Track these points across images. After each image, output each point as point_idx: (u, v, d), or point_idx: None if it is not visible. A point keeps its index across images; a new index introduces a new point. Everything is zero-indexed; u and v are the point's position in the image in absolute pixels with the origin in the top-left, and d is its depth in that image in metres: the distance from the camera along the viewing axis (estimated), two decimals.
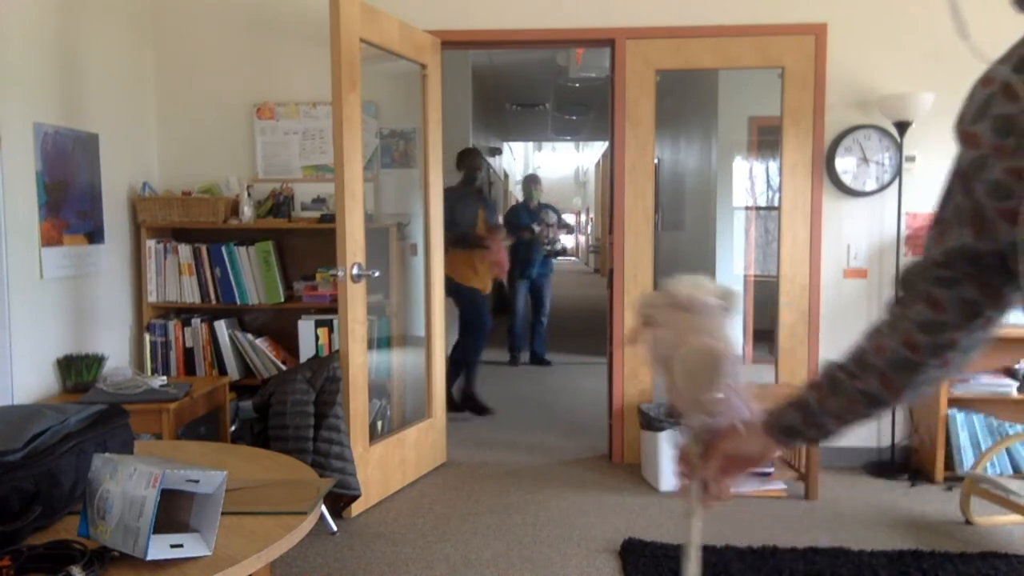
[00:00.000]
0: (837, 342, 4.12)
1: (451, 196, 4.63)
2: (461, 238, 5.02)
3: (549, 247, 6.99)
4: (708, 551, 3.06)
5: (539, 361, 7.18)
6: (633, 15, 4.02)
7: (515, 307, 6.91)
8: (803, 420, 1.00)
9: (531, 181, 7.21)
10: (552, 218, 7.06)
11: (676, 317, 1.10)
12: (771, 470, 3.76)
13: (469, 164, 5.39)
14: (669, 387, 1.12)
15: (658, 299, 1.12)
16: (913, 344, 0.90)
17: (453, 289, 4.98)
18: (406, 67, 3.98)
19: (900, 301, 0.93)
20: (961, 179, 0.81)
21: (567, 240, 7.50)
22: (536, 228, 6.82)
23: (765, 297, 4.78)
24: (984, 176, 0.76)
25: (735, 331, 1.10)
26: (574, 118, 11.64)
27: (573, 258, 25.83)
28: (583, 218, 24.79)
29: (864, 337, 0.96)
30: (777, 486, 3.76)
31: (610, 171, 4.24)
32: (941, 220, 0.86)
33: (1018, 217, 0.73)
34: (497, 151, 12.37)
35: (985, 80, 0.78)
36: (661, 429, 3.77)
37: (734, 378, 1.08)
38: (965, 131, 0.79)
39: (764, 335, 5.48)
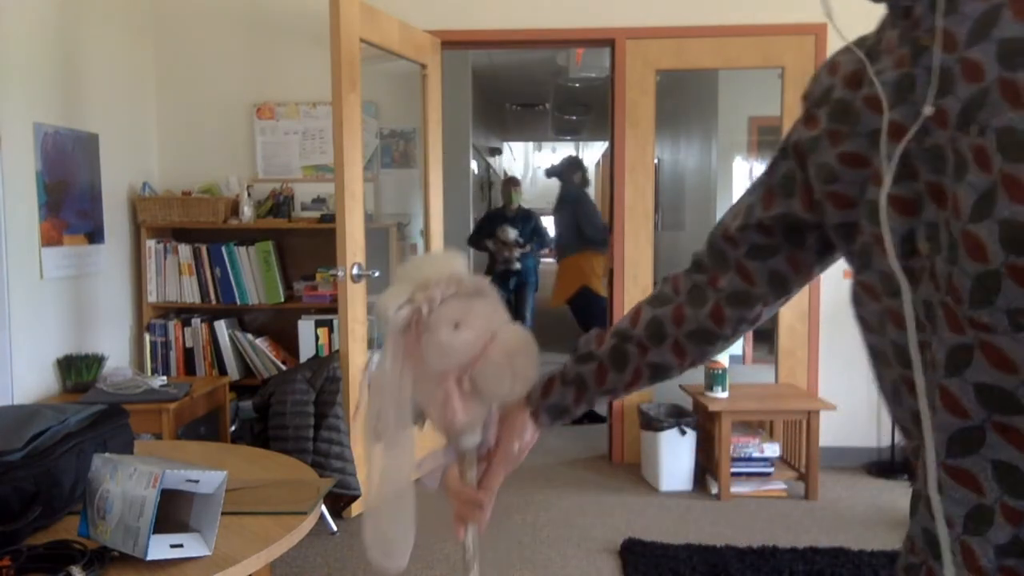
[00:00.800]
0: (837, 342, 4.12)
1: (582, 198, 5.70)
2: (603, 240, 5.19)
3: (505, 265, 6.11)
4: (708, 551, 3.06)
5: None
6: (633, 15, 4.02)
7: None
8: (575, 398, 0.95)
9: (510, 184, 6.44)
10: (510, 235, 6.10)
11: (469, 307, 0.85)
12: (771, 470, 3.77)
13: (583, 170, 5.96)
14: (453, 405, 0.87)
15: (437, 286, 0.85)
16: (720, 316, 0.89)
17: (592, 296, 5.49)
18: (406, 67, 3.98)
19: (702, 268, 0.91)
20: (796, 152, 0.82)
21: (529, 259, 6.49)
22: (490, 245, 6.12)
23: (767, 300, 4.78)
24: (816, 158, 0.77)
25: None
26: (574, 118, 11.64)
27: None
28: None
29: (655, 305, 0.93)
30: (777, 486, 3.76)
31: (610, 171, 4.24)
32: (768, 186, 0.86)
33: (846, 200, 0.74)
34: (497, 151, 12.37)
35: (831, 66, 0.81)
36: (661, 429, 3.77)
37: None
38: (807, 111, 0.81)
39: (764, 335, 5.48)
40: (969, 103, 0.60)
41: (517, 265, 6.09)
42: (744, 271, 0.88)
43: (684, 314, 0.90)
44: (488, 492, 0.94)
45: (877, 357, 0.75)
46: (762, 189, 0.87)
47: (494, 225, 6.14)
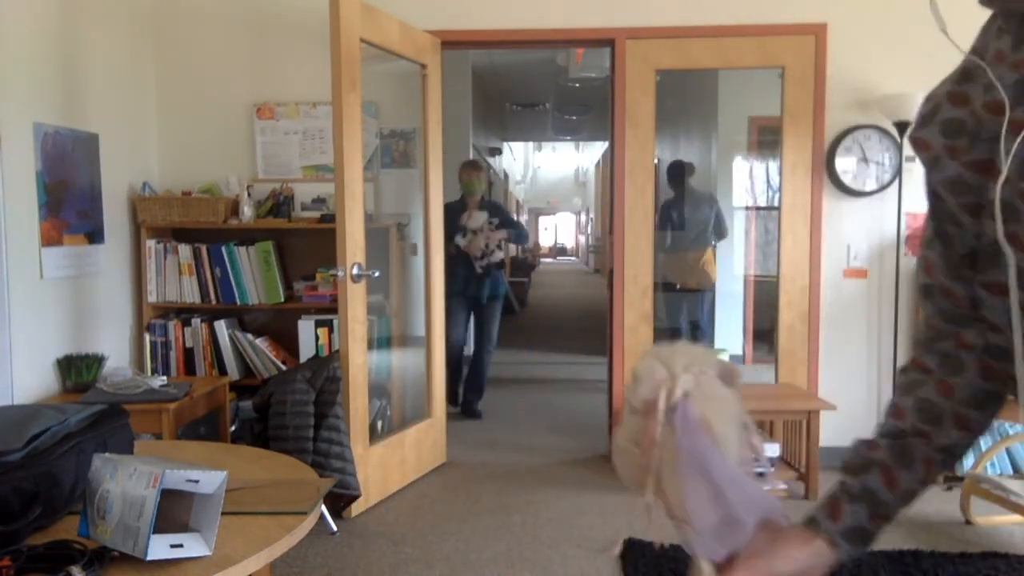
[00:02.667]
0: (837, 342, 4.12)
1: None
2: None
3: (483, 261, 5.14)
4: None
5: (470, 413, 5.27)
6: (633, 15, 4.02)
7: (451, 335, 4.90)
8: (870, 514, 0.83)
9: (471, 169, 5.26)
10: (477, 220, 5.13)
11: (722, 395, 0.81)
12: (771, 469, 3.76)
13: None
14: (698, 498, 0.80)
15: (698, 367, 0.81)
16: (989, 371, 0.83)
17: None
18: (406, 67, 3.98)
19: (942, 336, 0.86)
20: (929, 187, 0.83)
21: (507, 248, 5.41)
22: (461, 242, 5.10)
23: (765, 297, 4.78)
24: (939, 175, 0.79)
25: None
26: (574, 118, 11.64)
27: (573, 258, 25.85)
28: (583, 218, 24.80)
29: (912, 390, 0.86)
30: (777, 486, 3.76)
31: (610, 171, 4.24)
32: (940, 232, 0.84)
33: (976, 208, 0.76)
34: (497, 151, 12.37)
35: (928, 98, 0.84)
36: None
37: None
38: (914, 138, 0.83)
39: (764, 335, 5.48)
40: None
41: (499, 255, 5.22)
42: (984, 320, 0.82)
43: (951, 385, 0.84)
44: None
45: (1000, 356, 0.75)
46: (940, 236, 0.84)
47: (455, 221, 5.04)
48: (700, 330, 5.55)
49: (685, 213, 4.36)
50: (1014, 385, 0.79)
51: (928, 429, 0.84)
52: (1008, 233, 0.70)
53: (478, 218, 5.14)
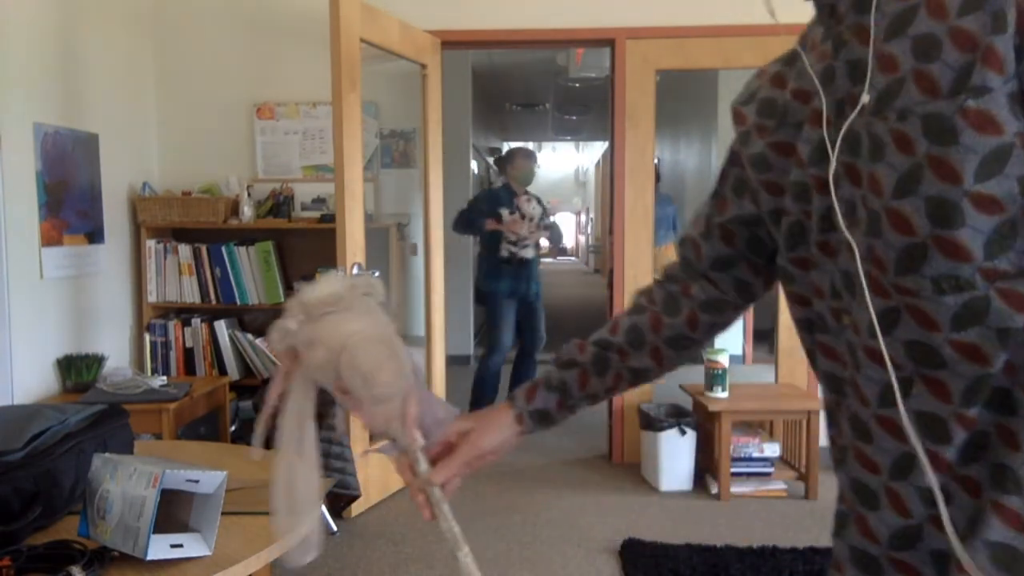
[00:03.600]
0: None
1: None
2: None
3: (515, 247, 4.89)
4: (708, 551, 3.06)
5: None
6: (633, 15, 4.02)
7: (500, 339, 5.00)
8: (558, 403, 0.97)
9: (529, 158, 5.06)
10: (534, 209, 4.94)
11: (320, 328, 0.90)
12: (771, 470, 3.77)
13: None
14: (358, 408, 0.95)
15: (291, 321, 0.91)
16: (695, 321, 0.96)
17: None
18: (406, 67, 3.98)
19: (675, 279, 0.98)
20: (733, 154, 0.92)
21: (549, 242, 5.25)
22: (505, 215, 4.82)
23: (765, 297, 4.78)
24: (748, 150, 0.85)
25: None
26: (574, 118, 11.64)
27: (573, 258, 25.83)
28: (583, 218, 24.79)
29: (632, 315, 0.98)
30: (777, 486, 3.76)
31: (610, 171, 4.24)
32: (721, 193, 0.94)
33: (776, 187, 0.82)
34: (497, 151, 12.37)
35: (759, 73, 0.91)
36: (661, 429, 3.77)
37: (414, 372, 0.92)
38: (736, 109, 0.89)
39: (764, 335, 5.48)
40: (885, 92, 0.65)
41: (529, 253, 4.95)
42: (712, 280, 0.95)
43: (661, 321, 0.96)
44: (442, 474, 0.93)
45: (805, 328, 0.82)
46: (717, 198, 0.94)
47: (498, 205, 4.89)
48: None
49: (656, 212, 4.44)
50: (715, 333, 0.98)
51: (628, 350, 0.97)
52: (822, 242, 0.75)
53: (535, 208, 4.97)
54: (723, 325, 0.98)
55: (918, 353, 0.66)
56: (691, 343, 0.97)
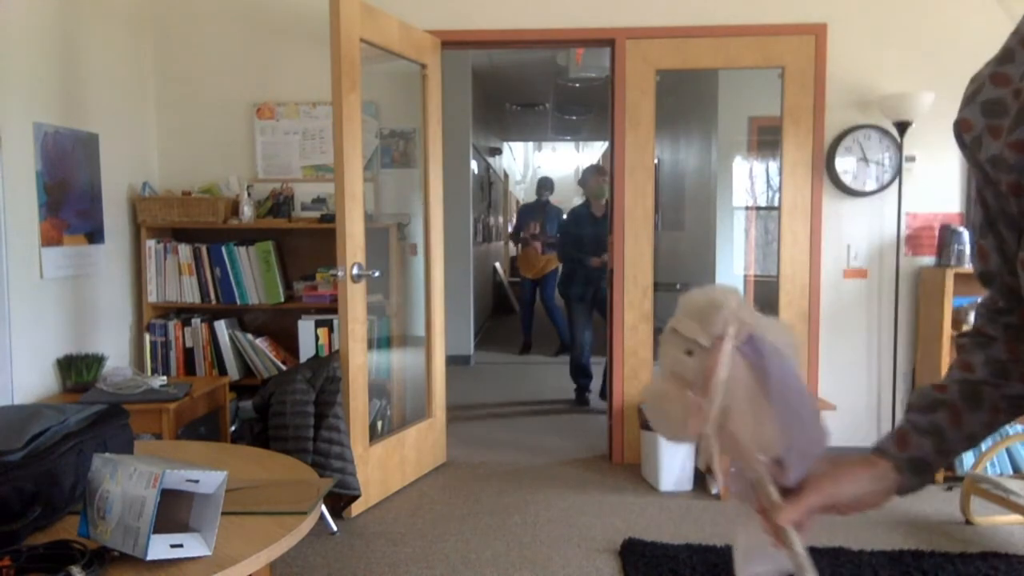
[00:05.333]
0: (837, 342, 4.12)
1: None
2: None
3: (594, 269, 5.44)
4: (708, 551, 3.06)
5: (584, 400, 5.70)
6: (633, 15, 4.02)
7: (581, 339, 5.61)
8: (935, 448, 0.88)
9: (598, 173, 5.59)
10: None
11: (775, 325, 0.85)
12: None
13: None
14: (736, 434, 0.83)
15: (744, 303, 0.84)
16: None
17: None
18: (406, 67, 3.98)
19: (1002, 311, 0.90)
20: (977, 174, 0.84)
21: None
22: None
23: (765, 297, 4.78)
24: (983, 155, 0.80)
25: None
26: (574, 118, 11.63)
27: None
28: None
29: (981, 350, 0.91)
30: None
31: (610, 171, 4.24)
32: (991, 223, 0.85)
33: (1020, 188, 0.76)
34: (497, 151, 12.36)
35: (972, 79, 0.85)
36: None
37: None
38: (959, 120, 0.84)
39: None
40: None
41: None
42: None
43: (1017, 349, 0.88)
44: (792, 512, 0.83)
45: None
46: (992, 227, 0.85)
47: (582, 228, 5.51)
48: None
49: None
50: None
51: (998, 380, 0.88)
52: None
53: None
54: None
55: None
56: None
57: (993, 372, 0.89)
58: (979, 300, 0.95)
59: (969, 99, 0.83)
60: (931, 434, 0.88)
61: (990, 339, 0.91)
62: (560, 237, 5.95)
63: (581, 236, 5.49)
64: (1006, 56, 0.80)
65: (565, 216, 6.61)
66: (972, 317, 0.98)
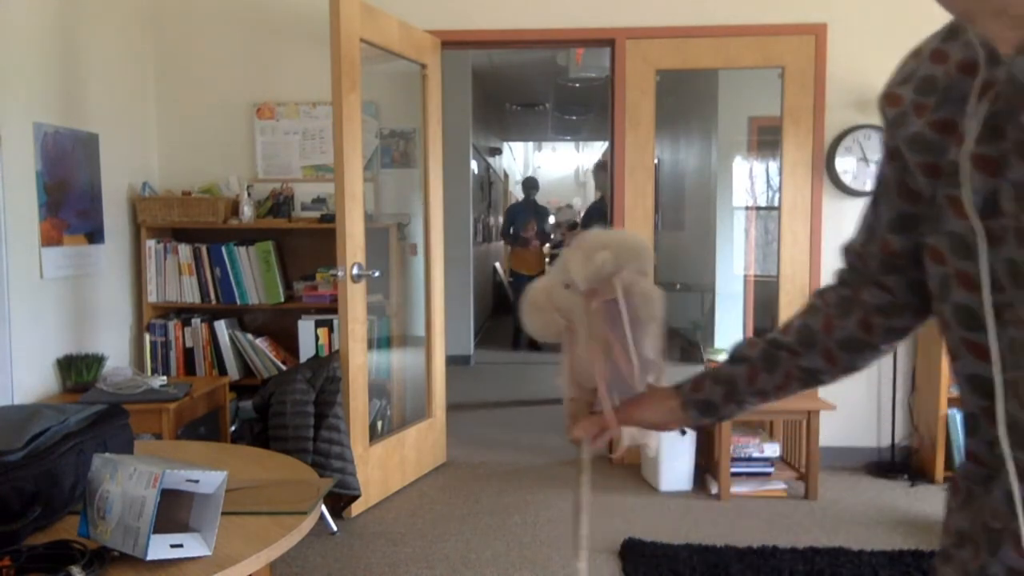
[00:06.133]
0: None
1: None
2: None
3: None
4: (708, 551, 3.06)
5: None
6: (633, 15, 4.02)
7: None
8: (724, 395, 0.98)
9: (601, 168, 6.26)
10: (571, 215, 6.42)
11: (649, 293, 1.02)
12: (771, 470, 3.76)
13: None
14: (584, 357, 1.05)
15: (635, 264, 1.03)
16: (868, 325, 0.92)
17: None
18: (406, 67, 3.98)
19: (846, 283, 0.95)
20: (888, 148, 0.85)
21: None
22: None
23: (765, 297, 4.78)
24: (904, 131, 0.79)
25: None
26: (574, 118, 11.63)
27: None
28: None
29: (806, 315, 0.97)
30: (777, 486, 3.76)
31: (610, 171, 4.24)
32: (878, 197, 0.88)
33: (934, 169, 0.76)
34: (497, 151, 12.36)
35: (915, 52, 0.84)
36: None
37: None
38: (888, 92, 0.83)
39: (764, 335, 5.47)
40: None
41: None
42: (883, 285, 0.90)
43: (833, 323, 0.93)
44: (612, 419, 1.02)
45: (954, 323, 0.76)
46: (877, 202, 0.89)
47: (596, 223, 6.05)
48: None
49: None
50: (895, 337, 0.93)
51: (799, 349, 0.95)
52: (986, 227, 0.69)
53: (567, 213, 6.38)
54: (904, 330, 0.92)
55: None
56: (867, 347, 0.93)
57: (800, 340, 0.95)
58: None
59: (907, 75, 0.81)
60: (726, 383, 0.98)
61: (824, 305, 0.95)
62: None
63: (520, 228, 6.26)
64: (950, 33, 0.79)
65: (582, 214, 7.15)
66: None
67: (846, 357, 0.94)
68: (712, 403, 0.99)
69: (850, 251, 0.94)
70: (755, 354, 0.97)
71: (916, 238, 0.83)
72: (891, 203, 0.85)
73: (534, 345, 8.14)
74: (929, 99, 0.76)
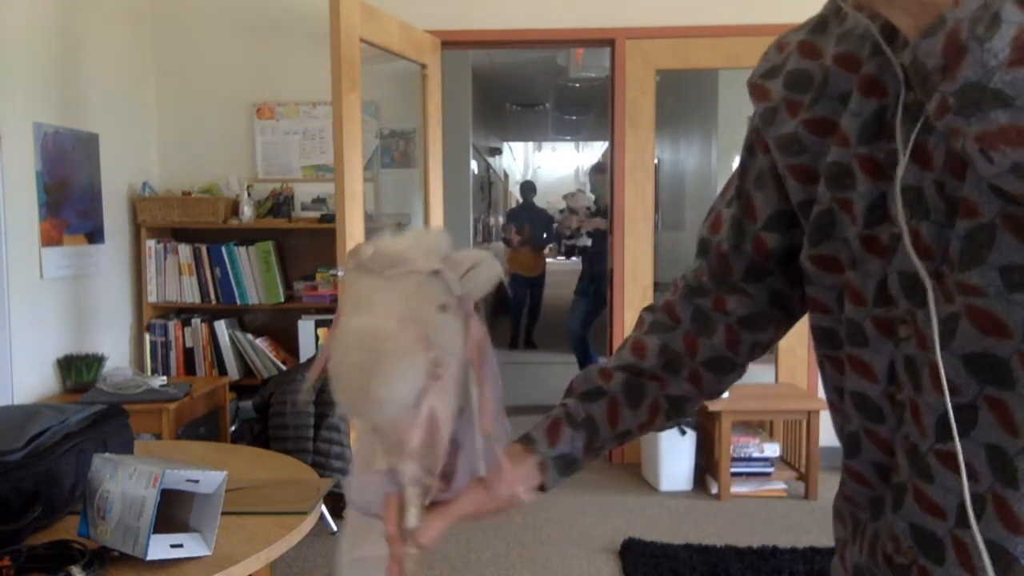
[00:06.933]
0: None
1: None
2: None
3: (570, 240, 6.75)
4: (708, 551, 3.06)
5: None
6: (633, 15, 4.02)
7: (578, 331, 6.01)
8: (585, 445, 0.77)
9: (598, 171, 6.21)
10: (586, 199, 6.34)
11: (353, 291, 0.65)
12: (771, 470, 3.77)
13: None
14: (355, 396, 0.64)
15: (345, 270, 0.67)
16: (735, 341, 0.81)
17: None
18: (406, 67, 3.98)
19: (703, 291, 0.82)
20: (753, 140, 0.78)
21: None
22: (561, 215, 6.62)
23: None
24: (774, 131, 0.72)
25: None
26: (574, 118, 11.64)
27: (573, 258, 25.84)
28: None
29: (659, 332, 0.82)
30: (777, 486, 3.76)
31: (610, 171, 4.24)
32: (745, 192, 0.79)
33: (808, 173, 0.69)
34: (497, 151, 12.37)
35: (778, 45, 0.77)
36: (661, 429, 3.76)
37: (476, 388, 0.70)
38: (755, 83, 0.76)
39: None
40: None
41: (585, 241, 6.13)
42: (746, 292, 0.80)
43: (697, 341, 0.80)
44: (430, 538, 0.69)
45: (824, 339, 0.70)
46: (742, 197, 0.79)
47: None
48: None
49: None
50: (758, 353, 0.82)
51: (665, 376, 0.80)
52: (869, 236, 0.63)
53: (580, 198, 6.36)
54: (766, 344, 0.82)
55: (983, 368, 0.56)
56: (733, 366, 0.82)
57: (664, 364, 0.80)
58: (682, 273, 0.85)
59: (773, 68, 0.75)
60: (585, 428, 0.77)
61: (673, 321, 0.82)
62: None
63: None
64: (819, 25, 0.73)
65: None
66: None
67: (713, 380, 0.81)
68: (573, 458, 0.77)
69: (712, 250, 0.81)
70: (614, 387, 0.79)
71: (790, 239, 0.75)
72: (768, 198, 0.76)
73: (531, 344, 8.22)
74: (802, 96, 0.70)
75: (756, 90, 0.76)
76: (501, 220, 13.43)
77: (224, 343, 3.89)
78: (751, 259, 0.78)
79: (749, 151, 0.79)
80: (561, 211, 6.32)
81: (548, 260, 8.59)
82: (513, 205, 16.32)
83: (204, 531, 1.31)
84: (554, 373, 6.85)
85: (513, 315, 8.33)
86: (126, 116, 3.87)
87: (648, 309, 0.85)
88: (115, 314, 3.76)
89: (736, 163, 0.84)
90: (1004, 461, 0.56)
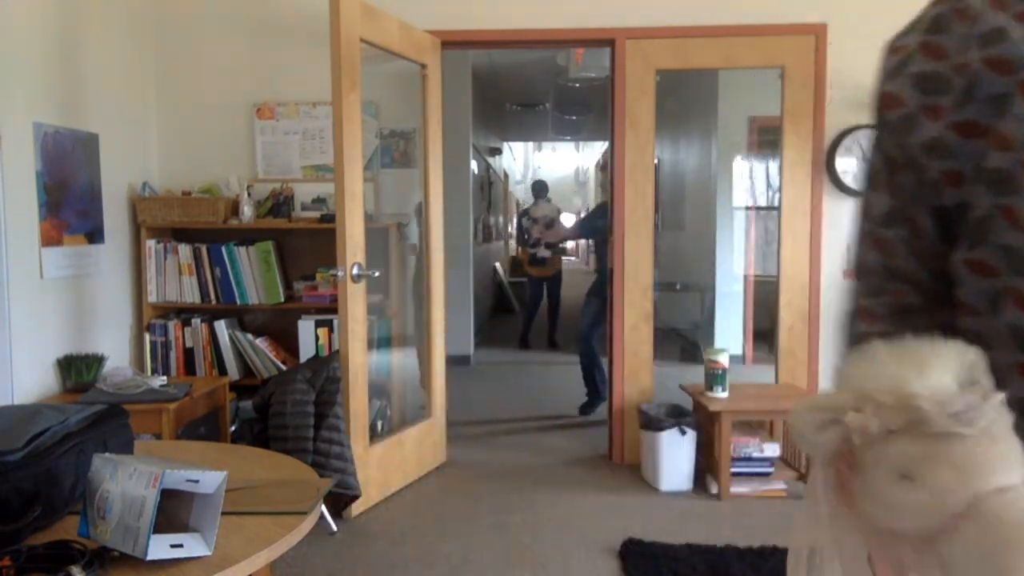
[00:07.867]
0: (837, 343, 4.12)
1: None
2: None
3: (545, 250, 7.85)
4: (708, 551, 3.06)
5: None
6: (633, 15, 4.02)
7: (591, 333, 5.86)
8: None
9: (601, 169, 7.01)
10: (551, 210, 7.66)
11: (930, 452, 0.58)
12: (771, 470, 3.76)
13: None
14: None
15: (877, 409, 0.61)
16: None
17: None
18: (406, 67, 3.98)
19: (910, 310, 0.79)
20: (894, 151, 0.76)
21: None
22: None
23: (765, 297, 4.78)
24: (916, 137, 0.71)
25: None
26: (574, 118, 11.63)
27: (572, 258, 25.83)
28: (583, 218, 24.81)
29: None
30: (777, 486, 3.76)
31: (610, 171, 4.24)
32: (903, 211, 0.77)
33: (958, 177, 0.68)
34: (497, 151, 12.37)
35: (893, 48, 0.76)
36: (661, 429, 3.77)
37: None
38: (886, 92, 0.75)
39: (764, 335, 5.48)
40: None
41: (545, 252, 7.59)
42: (945, 304, 0.77)
43: None
44: None
45: (977, 342, 0.67)
46: (903, 217, 0.76)
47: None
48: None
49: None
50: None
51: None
52: (1001, 205, 0.63)
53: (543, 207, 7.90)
54: None
55: None
56: None
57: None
58: (865, 299, 0.82)
59: (895, 71, 0.74)
60: None
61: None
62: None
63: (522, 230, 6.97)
64: (937, 25, 0.72)
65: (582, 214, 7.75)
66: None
67: None
68: None
69: (893, 276, 0.79)
70: None
71: (949, 250, 0.74)
72: (923, 216, 0.74)
73: (554, 344, 8.18)
74: (940, 99, 0.69)
75: (888, 99, 0.74)
76: (502, 220, 13.42)
77: (224, 343, 3.89)
78: (936, 279, 0.76)
79: (888, 164, 0.76)
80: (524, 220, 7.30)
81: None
82: (514, 205, 16.32)
83: (204, 531, 1.31)
84: (555, 373, 6.85)
85: (526, 314, 8.31)
86: (126, 116, 3.87)
87: (867, 332, 0.81)
88: (115, 314, 3.76)
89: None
90: None
